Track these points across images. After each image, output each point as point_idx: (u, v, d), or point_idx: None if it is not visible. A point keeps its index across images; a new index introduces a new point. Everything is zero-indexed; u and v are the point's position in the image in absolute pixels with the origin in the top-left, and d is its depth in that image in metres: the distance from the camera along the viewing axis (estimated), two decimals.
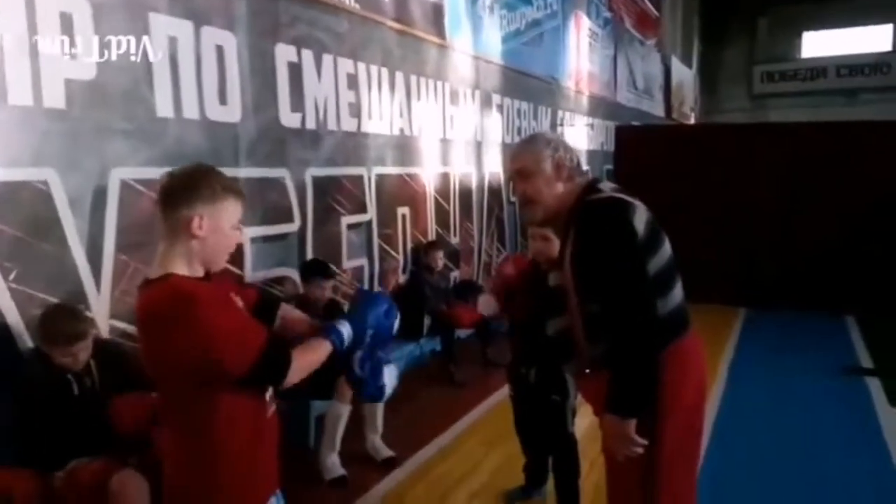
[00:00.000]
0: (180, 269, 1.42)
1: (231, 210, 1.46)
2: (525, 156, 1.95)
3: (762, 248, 7.34)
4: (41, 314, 2.48)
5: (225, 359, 1.37)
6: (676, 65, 15.73)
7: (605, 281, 1.76)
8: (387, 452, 3.50)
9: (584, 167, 2.04)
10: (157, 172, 2.92)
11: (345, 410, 3.35)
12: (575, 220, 1.86)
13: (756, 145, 7.35)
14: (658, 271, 1.81)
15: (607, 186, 1.93)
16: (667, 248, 1.87)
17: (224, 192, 1.45)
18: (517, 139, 7.11)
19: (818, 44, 19.00)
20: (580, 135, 9.17)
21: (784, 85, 18.92)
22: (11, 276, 2.48)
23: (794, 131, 7.43)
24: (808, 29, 19.07)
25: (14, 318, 2.50)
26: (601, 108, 10.29)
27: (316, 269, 3.76)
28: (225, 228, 1.46)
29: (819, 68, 18.60)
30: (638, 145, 7.99)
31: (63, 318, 2.46)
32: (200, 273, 1.46)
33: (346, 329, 1.61)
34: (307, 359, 1.53)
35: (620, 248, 1.77)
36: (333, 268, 4.04)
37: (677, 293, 1.88)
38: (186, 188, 1.41)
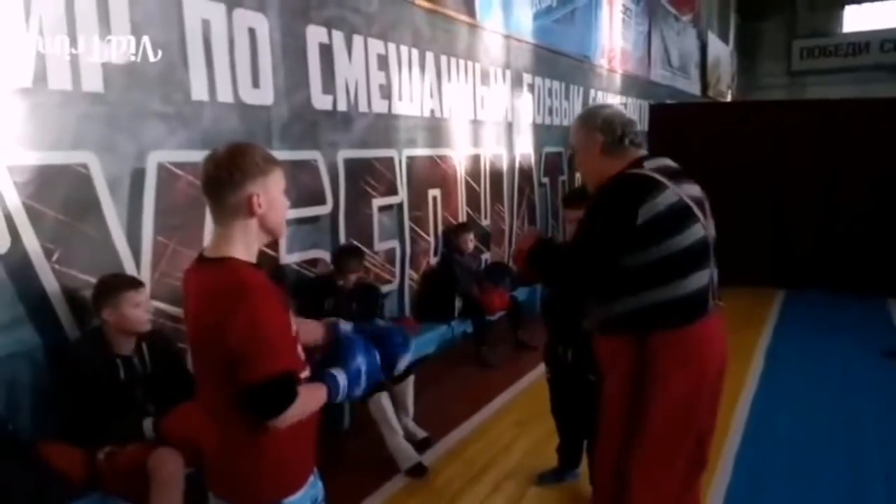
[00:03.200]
0: (239, 253, 1.45)
1: (278, 178, 1.49)
2: (572, 129, 2.11)
3: (801, 230, 7.16)
4: (97, 282, 2.56)
5: (248, 358, 1.36)
6: (713, 40, 15.31)
7: (584, 233, 1.91)
8: (421, 434, 3.53)
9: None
10: (193, 155, 3.03)
11: (380, 396, 3.33)
12: (598, 192, 1.97)
13: (794, 123, 7.12)
14: (668, 255, 1.82)
15: (652, 164, 1.91)
16: (690, 236, 1.87)
17: (267, 163, 1.47)
18: (548, 120, 7.06)
19: (861, 17, 18.34)
20: None
21: (824, 61, 18.33)
22: (54, 258, 2.54)
23: (834, 108, 7.19)
24: (851, 2, 18.39)
25: (57, 298, 2.56)
26: (634, 86, 10.09)
27: (342, 263, 3.82)
28: (278, 197, 1.49)
29: (862, 43, 17.96)
30: (672, 124, 7.79)
31: (121, 275, 2.63)
32: (255, 256, 1.49)
33: (342, 380, 1.59)
34: (306, 407, 1.48)
35: (608, 218, 1.87)
36: (366, 250, 4.12)
37: (693, 282, 1.88)
38: (234, 171, 1.42)
